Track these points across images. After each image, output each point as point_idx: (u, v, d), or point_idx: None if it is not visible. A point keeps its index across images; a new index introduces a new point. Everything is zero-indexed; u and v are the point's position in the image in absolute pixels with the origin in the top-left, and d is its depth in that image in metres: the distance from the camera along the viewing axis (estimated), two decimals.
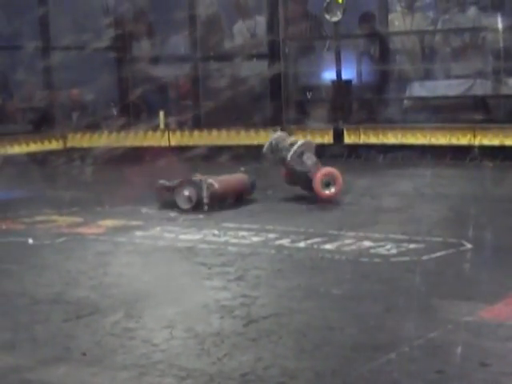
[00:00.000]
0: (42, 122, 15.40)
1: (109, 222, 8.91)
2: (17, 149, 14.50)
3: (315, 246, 7.36)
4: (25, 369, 4.56)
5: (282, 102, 14.08)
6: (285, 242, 7.59)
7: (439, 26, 14.25)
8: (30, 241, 7.96)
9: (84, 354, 4.75)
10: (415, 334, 4.87)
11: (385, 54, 14.39)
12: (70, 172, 13.08)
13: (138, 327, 5.23)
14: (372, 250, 7.13)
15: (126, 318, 5.42)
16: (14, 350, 4.89)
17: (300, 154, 9.30)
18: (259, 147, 11.35)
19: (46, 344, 4.99)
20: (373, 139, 13.35)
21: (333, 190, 9.22)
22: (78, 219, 9.16)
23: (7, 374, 4.47)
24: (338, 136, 13.55)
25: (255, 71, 14.73)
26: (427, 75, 14.50)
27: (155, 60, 15.87)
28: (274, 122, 13.87)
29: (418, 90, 14.04)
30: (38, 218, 9.15)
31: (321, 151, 11.77)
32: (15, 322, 5.46)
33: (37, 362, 4.66)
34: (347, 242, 7.48)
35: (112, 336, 5.07)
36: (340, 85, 13.77)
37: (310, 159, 9.24)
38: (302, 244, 7.48)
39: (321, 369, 4.42)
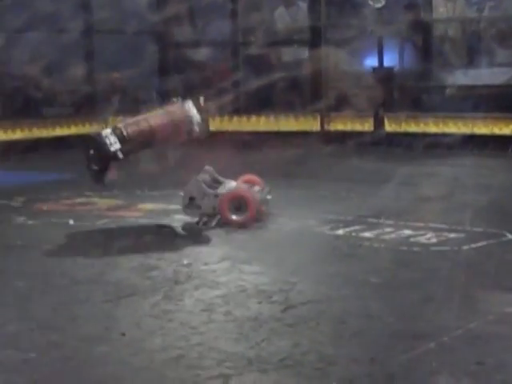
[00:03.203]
0: (84, 105, 15.50)
1: (148, 206, 8.97)
2: (58, 131, 14.62)
3: (354, 234, 7.34)
4: (66, 347, 4.61)
5: (322, 88, 14.03)
6: (324, 229, 7.58)
7: (485, 13, 14.08)
8: (71, 222, 8.04)
9: (123, 335, 4.78)
10: (455, 324, 4.84)
11: (428, 41, 14.27)
12: None
13: (177, 309, 5.26)
14: (412, 239, 7.10)
15: (165, 299, 5.46)
16: (56, 329, 4.94)
17: None
18: (299, 134, 11.43)
19: (87, 323, 5.04)
20: (414, 127, 13.27)
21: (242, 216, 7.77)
22: (119, 202, 9.23)
23: (49, 351, 4.53)
24: (379, 124, 13.48)
25: (296, 57, 14.69)
26: (471, 63, 14.36)
27: (196, 44, 15.89)
28: (314, 108, 13.83)
29: (461, 78, 13.90)
30: (79, 200, 9.23)
31: (361, 139, 11.78)
32: (56, 301, 5.52)
33: (77, 340, 4.71)
34: (386, 230, 7.45)
35: (151, 317, 5.10)
36: (381, 72, 13.70)
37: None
38: (340, 231, 7.47)
39: (359, 356, 4.42)
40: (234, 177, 8.28)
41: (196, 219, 7.74)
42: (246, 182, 8.41)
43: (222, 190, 7.92)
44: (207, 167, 8.38)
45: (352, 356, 4.41)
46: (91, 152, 7.62)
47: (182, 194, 7.94)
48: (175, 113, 7.86)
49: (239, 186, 8.09)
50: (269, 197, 8.20)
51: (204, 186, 7.90)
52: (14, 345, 4.62)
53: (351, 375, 4.16)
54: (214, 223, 7.70)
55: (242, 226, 7.59)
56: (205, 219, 7.77)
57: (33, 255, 6.79)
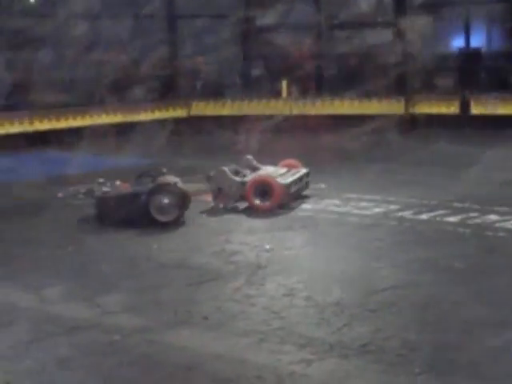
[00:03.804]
0: (168, 90, 15.66)
1: None
2: (143, 116, 14.80)
3: (438, 219, 7.26)
4: (150, 330, 4.68)
5: (407, 71, 13.86)
6: (407, 213, 7.52)
7: None
8: None
9: (206, 319, 4.84)
10: None
11: None
12: (194, 139, 13.26)
13: (259, 294, 5.28)
14: (497, 224, 6.98)
15: (247, 284, 5.49)
16: (140, 312, 5.03)
17: None
18: (381, 117, 11.30)
19: (170, 307, 5.11)
20: (501, 110, 13.01)
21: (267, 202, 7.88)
22: (202, 186, 9.28)
23: (134, 334, 4.61)
24: (465, 106, 13.26)
25: (380, 40, 14.54)
26: None
27: (279, 29, 15.87)
28: (398, 91, 13.68)
29: None
30: None
31: (447, 122, 11.60)
32: (142, 285, 5.61)
33: (161, 324, 4.78)
34: (472, 215, 7.34)
35: (233, 302, 5.14)
36: (468, 53, 13.46)
37: None
38: (424, 216, 7.39)
39: (442, 343, 4.38)
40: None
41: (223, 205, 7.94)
42: (285, 166, 8.53)
43: (249, 177, 8.02)
44: (248, 156, 8.49)
45: (435, 342, 4.38)
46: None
47: (208, 187, 8.04)
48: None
49: (265, 172, 8.17)
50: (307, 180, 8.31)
51: (230, 175, 8.00)
52: (100, 328, 4.71)
53: (434, 362, 4.13)
54: (241, 208, 7.89)
55: (267, 211, 7.70)
56: (232, 204, 7.93)
57: (121, 238, 6.91)
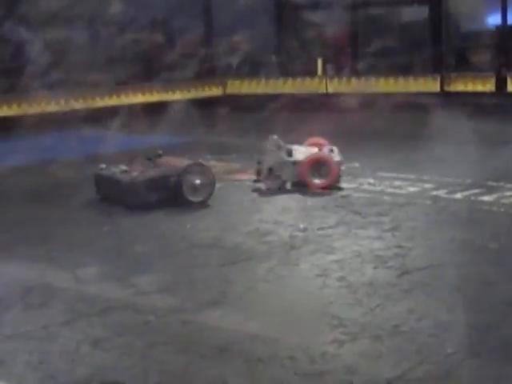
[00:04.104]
0: (203, 69, 15.66)
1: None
2: (179, 95, 14.83)
3: (472, 198, 7.22)
4: (184, 310, 4.72)
5: (443, 48, 13.73)
6: (441, 192, 7.48)
7: None
8: None
9: (239, 299, 4.87)
10: None
11: None
12: (229, 118, 13.27)
13: (292, 274, 5.30)
14: None
15: (280, 265, 5.51)
16: (174, 292, 5.07)
17: None
18: (418, 95, 11.19)
19: (204, 287, 5.15)
20: None
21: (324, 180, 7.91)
22: (237, 165, 9.33)
23: (168, 314, 4.65)
24: (501, 84, 13.11)
25: (416, 17, 14.42)
26: None
27: (314, 7, 15.79)
28: (434, 69, 13.57)
29: None
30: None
31: (482, 100, 11.48)
32: (175, 265, 5.65)
33: (194, 304, 4.81)
34: (507, 194, 7.29)
35: (266, 282, 5.17)
36: (505, 30, 13.30)
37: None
38: (458, 195, 7.35)
39: (475, 323, 4.37)
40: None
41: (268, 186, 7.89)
42: (312, 144, 8.42)
43: (298, 156, 7.95)
44: (273, 136, 8.34)
45: (468, 323, 4.36)
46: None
47: (258, 168, 7.97)
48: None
49: (317, 151, 8.06)
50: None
51: (282, 155, 7.96)
52: (135, 308, 4.76)
53: (467, 342, 4.13)
54: (288, 187, 7.86)
55: (324, 188, 7.70)
56: (282, 184, 7.87)
57: (154, 219, 6.96)
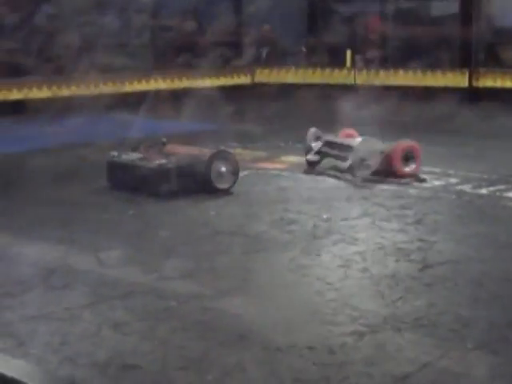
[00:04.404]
0: (232, 57, 15.67)
1: (292, 158, 9.04)
2: (207, 82, 14.83)
3: (498, 194, 7.18)
4: (205, 297, 4.74)
5: (472, 43, 13.63)
6: (466, 187, 7.45)
7: None
8: None
9: (260, 287, 4.88)
10: None
11: None
12: (257, 106, 13.27)
13: (314, 264, 5.31)
14: None
15: (302, 254, 5.52)
16: (196, 279, 5.09)
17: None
18: (445, 89, 11.11)
19: (226, 275, 5.17)
20: None
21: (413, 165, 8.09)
22: (262, 154, 9.34)
23: (189, 300, 4.67)
24: None
25: (446, 11, 14.32)
26: None
27: None
28: (463, 63, 13.48)
29: None
30: None
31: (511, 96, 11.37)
32: (198, 251, 5.67)
33: (216, 291, 4.83)
34: None
35: (288, 271, 5.17)
36: None
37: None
38: (484, 190, 7.32)
39: (496, 319, 4.35)
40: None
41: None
42: (345, 136, 8.54)
43: (381, 146, 7.99)
44: (312, 129, 8.51)
45: (489, 319, 4.35)
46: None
47: (350, 158, 7.94)
48: None
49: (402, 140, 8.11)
50: None
51: (374, 144, 7.99)
52: (156, 293, 4.78)
53: (487, 338, 4.12)
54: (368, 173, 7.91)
55: (412, 176, 7.84)
56: (370, 172, 7.91)
57: (177, 205, 6.98)
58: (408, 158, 7.92)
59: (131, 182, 7.50)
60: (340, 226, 6.22)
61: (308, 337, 4.13)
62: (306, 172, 8.34)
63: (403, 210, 6.65)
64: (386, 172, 7.89)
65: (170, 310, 4.52)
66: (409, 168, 7.91)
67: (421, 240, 5.79)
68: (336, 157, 8.30)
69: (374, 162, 7.93)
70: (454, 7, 14.16)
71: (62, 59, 13.00)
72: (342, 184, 7.73)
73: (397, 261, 5.34)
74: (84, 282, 4.96)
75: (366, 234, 6.01)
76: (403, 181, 7.77)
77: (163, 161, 7.45)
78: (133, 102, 12.58)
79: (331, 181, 7.88)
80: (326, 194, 7.31)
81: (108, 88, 13.70)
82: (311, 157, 8.49)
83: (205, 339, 4.13)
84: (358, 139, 8.11)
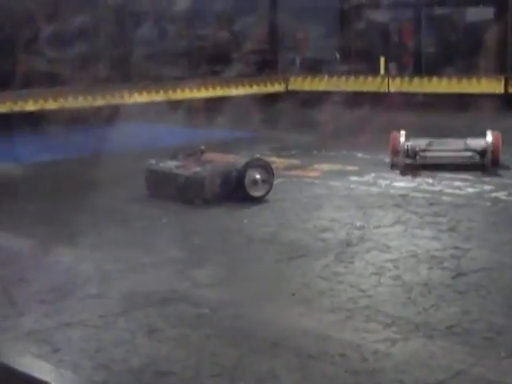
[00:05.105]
0: (266, 65, 15.72)
1: (325, 166, 9.05)
2: (241, 90, 14.90)
3: None
4: (238, 304, 4.77)
5: (508, 49, 13.54)
6: (501, 194, 7.42)
7: None
8: None
9: (293, 295, 4.90)
10: None
11: None
12: (290, 114, 13.31)
13: (347, 272, 5.31)
14: None
15: (336, 261, 5.53)
16: (230, 286, 5.13)
17: None
18: (482, 96, 11.05)
19: (258, 282, 5.19)
20: None
21: None
22: (296, 161, 9.36)
23: (222, 308, 4.70)
24: None
25: (481, 18, 14.25)
26: None
27: (378, 5, 15.72)
28: (499, 70, 13.41)
29: None
30: None
31: None
32: (232, 259, 5.71)
33: (249, 298, 4.86)
34: None
35: (321, 279, 5.19)
36: None
37: None
38: None
39: None
40: None
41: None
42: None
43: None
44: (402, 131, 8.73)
45: None
46: None
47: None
48: None
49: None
50: None
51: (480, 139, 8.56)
52: (190, 300, 4.82)
53: None
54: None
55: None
56: None
57: (211, 213, 7.02)
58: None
59: (169, 190, 7.56)
60: (373, 234, 6.22)
61: (340, 344, 4.14)
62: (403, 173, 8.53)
63: (436, 218, 6.64)
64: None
65: (202, 317, 4.55)
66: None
67: (454, 247, 5.77)
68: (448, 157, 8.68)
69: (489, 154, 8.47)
70: (490, 13, 14.10)
71: (97, 69, 13.13)
72: (374, 191, 7.73)
73: (430, 268, 5.33)
74: (119, 289, 5.00)
75: (399, 241, 6.01)
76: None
77: (198, 169, 7.49)
78: (167, 110, 12.68)
79: (363, 188, 7.88)
80: (359, 202, 7.30)
81: (141, 97, 13.81)
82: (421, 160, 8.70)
83: (238, 346, 4.15)
84: (488, 136, 8.52)
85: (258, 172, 7.40)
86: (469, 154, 8.56)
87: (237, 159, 7.67)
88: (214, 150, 8.21)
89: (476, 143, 8.56)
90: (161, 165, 7.78)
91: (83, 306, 4.74)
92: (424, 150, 8.66)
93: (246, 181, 7.33)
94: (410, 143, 8.66)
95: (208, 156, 7.89)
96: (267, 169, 7.48)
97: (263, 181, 7.41)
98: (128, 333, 4.31)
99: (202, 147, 8.01)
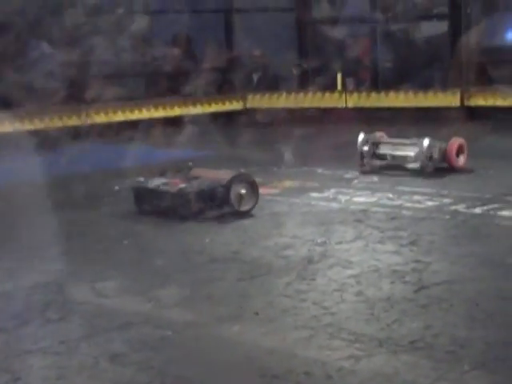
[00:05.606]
0: (224, 83, 15.72)
1: (285, 183, 9.06)
2: (199, 109, 14.87)
3: (491, 213, 7.20)
4: (201, 325, 4.75)
5: (463, 63, 13.69)
6: (460, 207, 7.47)
7: None
8: None
9: (256, 314, 4.88)
10: None
11: None
12: (248, 132, 13.31)
13: (310, 289, 5.31)
14: None
15: (298, 279, 5.52)
16: (192, 307, 5.10)
17: None
18: (437, 110, 11.14)
19: (221, 302, 5.17)
20: None
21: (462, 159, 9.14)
22: (256, 179, 9.32)
23: (185, 329, 4.68)
24: None
25: (436, 32, 14.41)
26: None
27: (334, 21, 15.82)
28: (454, 83, 13.54)
29: None
30: None
31: (503, 114, 11.43)
32: (194, 279, 5.68)
33: (212, 319, 4.84)
34: None
35: (284, 297, 5.18)
36: None
37: None
38: (477, 210, 7.33)
39: (492, 339, 4.36)
40: None
41: None
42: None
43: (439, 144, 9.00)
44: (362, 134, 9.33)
45: (486, 339, 4.36)
46: None
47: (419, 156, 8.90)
48: None
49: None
50: None
51: (436, 142, 8.96)
52: (153, 322, 4.78)
53: (484, 359, 4.12)
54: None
55: (462, 168, 9.00)
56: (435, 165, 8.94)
57: (173, 233, 6.99)
58: (458, 153, 9.00)
59: (156, 207, 7.61)
60: (334, 250, 6.23)
61: (305, 362, 4.14)
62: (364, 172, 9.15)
63: (397, 232, 6.67)
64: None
65: (166, 339, 4.52)
66: (460, 162, 9.01)
67: (415, 261, 5.80)
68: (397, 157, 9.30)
69: (439, 158, 8.99)
70: (444, 27, 14.25)
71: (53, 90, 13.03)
72: (334, 207, 7.75)
73: (392, 283, 5.35)
74: (80, 313, 4.96)
75: (361, 256, 6.02)
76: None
77: (183, 185, 7.51)
78: (125, 131, 12.62)
79: (324, 204, 7.90)
80: (320, 218, 7.32)
81: (100, 118, 13.73)
82: (369, 161, 9.28)
83: (202, 368, 4.13)
84: (426, 139, 8.96)
85: (243, 187, 7.43)
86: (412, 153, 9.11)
87: (225, 175, 7.69)
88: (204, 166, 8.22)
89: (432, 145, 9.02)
90: (149, 182, 7.80)
91: (44, 332, 4.68)
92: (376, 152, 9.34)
93: (232, 196, 7.35)
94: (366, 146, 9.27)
95: (195, 172, 7.92)
96: (252, 183, 7.51)
97: (248, 195, 7.44)
98: (91, 358, 4.26)
99: (190, 164, 8.07)
